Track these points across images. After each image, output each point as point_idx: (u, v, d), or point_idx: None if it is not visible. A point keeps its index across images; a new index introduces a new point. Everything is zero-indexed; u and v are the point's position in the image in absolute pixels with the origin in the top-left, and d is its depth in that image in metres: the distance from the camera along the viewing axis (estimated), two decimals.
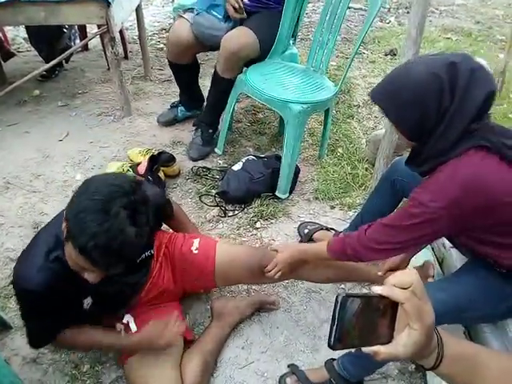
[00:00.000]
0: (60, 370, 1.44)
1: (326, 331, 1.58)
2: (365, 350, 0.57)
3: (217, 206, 2.08)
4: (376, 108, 2.76)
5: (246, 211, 2.06)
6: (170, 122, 2.59)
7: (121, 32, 3.04)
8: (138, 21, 2.98)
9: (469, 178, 1.00)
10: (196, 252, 1.45)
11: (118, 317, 1.41)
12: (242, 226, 1.98)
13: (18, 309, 1.26)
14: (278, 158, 2.13)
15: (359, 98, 2.94)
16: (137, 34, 3.20)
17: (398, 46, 3.63)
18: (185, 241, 1.49)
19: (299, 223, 1.97)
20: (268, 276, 1.41)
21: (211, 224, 1.99)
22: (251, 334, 1.58)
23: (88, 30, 3.12)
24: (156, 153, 2.14)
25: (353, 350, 0.59)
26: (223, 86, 2.19)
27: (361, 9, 4.44)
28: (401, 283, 0.56)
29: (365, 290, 1.70)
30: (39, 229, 1.86)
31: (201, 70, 2.51)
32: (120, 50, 3.08)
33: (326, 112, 2.23)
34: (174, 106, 2.61)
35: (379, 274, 1.48)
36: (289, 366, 1.47)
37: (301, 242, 1.91)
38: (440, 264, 1.70)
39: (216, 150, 2.39)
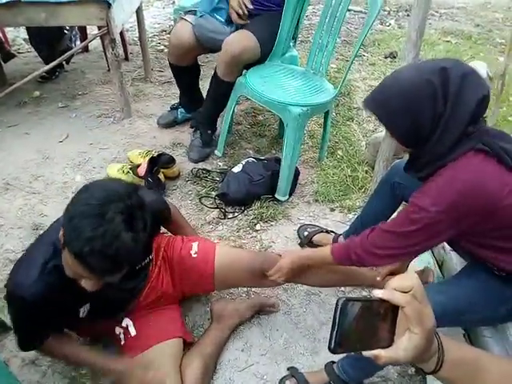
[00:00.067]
0: (59, 372, 1.43)
1: (325, 334, 1.58)
2: (365, 353, 0.57)
3: (217, 207, 2.08)
4: None
5: (245, 213, 2.06)
6: (169, 124, 2.59)
7: (121, 33, 3.04)
8: (138, 22, 2.98)
9: (468, 182, 1.00)
10: (195, 256, 1.44)
11: (116, 320, 1.41)
12: (241, 228, 1.98)
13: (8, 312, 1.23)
14: (278, 161, 2.13)
15: (359, 101, 2.94)
16: (137, 35, 3.20)
17: (398, 48, 3.64)
18: (183, 244, 1.48)
19: (299, 225, 1.97)
20: (271, 280, 1.41)
21: (211, 226, 1.99)
22: (251, 336, 1.58)
23: (88, 31, 3.13)
24: (156, 154, 2.13)
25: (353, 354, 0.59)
26: (223, 89, 2.19)
27: (361, 11, 4.45)
28: (401, 287, 0.56)
29: (365, 294, 1.70)
30: (39, 230, 1.88)
31: (201, 72, 2.51)
32: (120, 51, 3.08)
33: (326, 114, 2.23)
34: (174, 108, 2.61)
35: (378, 279, 1.48)
36: (288, 369, 1.46)
37: (300, 244, 1.91)
38: (440, 267, 1.70)
39: (216, 151, 2.39)
